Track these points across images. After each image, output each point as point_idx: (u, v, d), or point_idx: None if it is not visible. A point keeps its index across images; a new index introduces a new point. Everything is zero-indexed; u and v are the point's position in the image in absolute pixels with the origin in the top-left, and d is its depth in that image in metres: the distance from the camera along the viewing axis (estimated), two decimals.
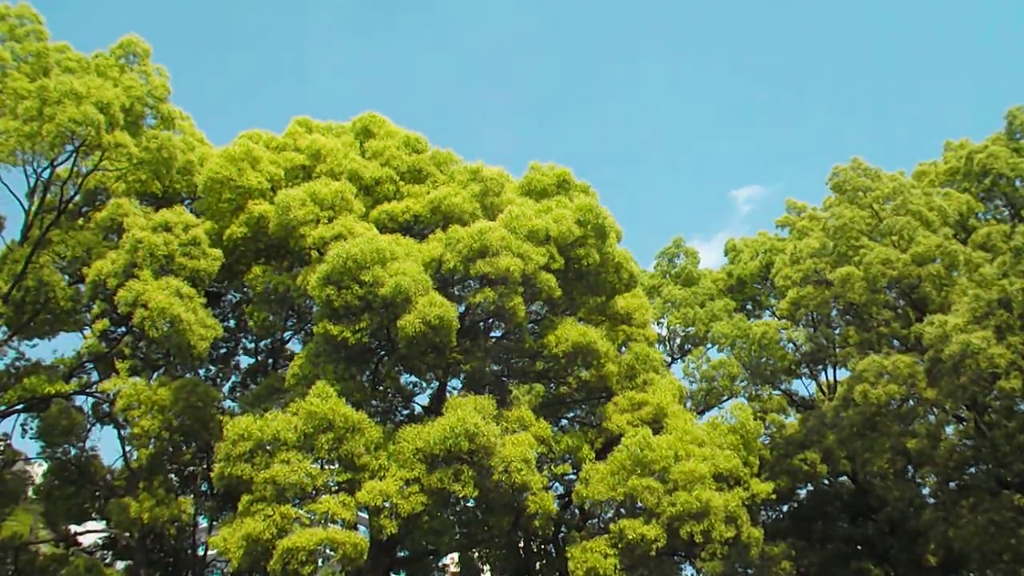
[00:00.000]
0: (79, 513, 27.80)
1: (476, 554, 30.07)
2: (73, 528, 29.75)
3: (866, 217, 30.66)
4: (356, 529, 20.55)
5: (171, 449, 25.30)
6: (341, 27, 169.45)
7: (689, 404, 35.19)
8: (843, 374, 35.41)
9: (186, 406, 23.30)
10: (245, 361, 32.76)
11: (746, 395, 37.79)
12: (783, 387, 39.15)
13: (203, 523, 30.27)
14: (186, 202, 28.77)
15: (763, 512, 36.07)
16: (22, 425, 27.66)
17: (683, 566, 28.24)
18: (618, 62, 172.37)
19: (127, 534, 26.72)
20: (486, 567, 31.28)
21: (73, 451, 27.32)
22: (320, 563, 20.17)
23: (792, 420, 38.12)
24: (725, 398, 37.35)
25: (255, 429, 20.07)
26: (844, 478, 37.66)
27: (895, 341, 30.92)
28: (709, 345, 38.80)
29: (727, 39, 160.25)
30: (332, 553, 19.21)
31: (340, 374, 22.18)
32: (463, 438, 19.91)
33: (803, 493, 37.88)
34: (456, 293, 24.80)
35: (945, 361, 24.92)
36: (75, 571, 25.75)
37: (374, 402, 25.82)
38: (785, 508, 38.19)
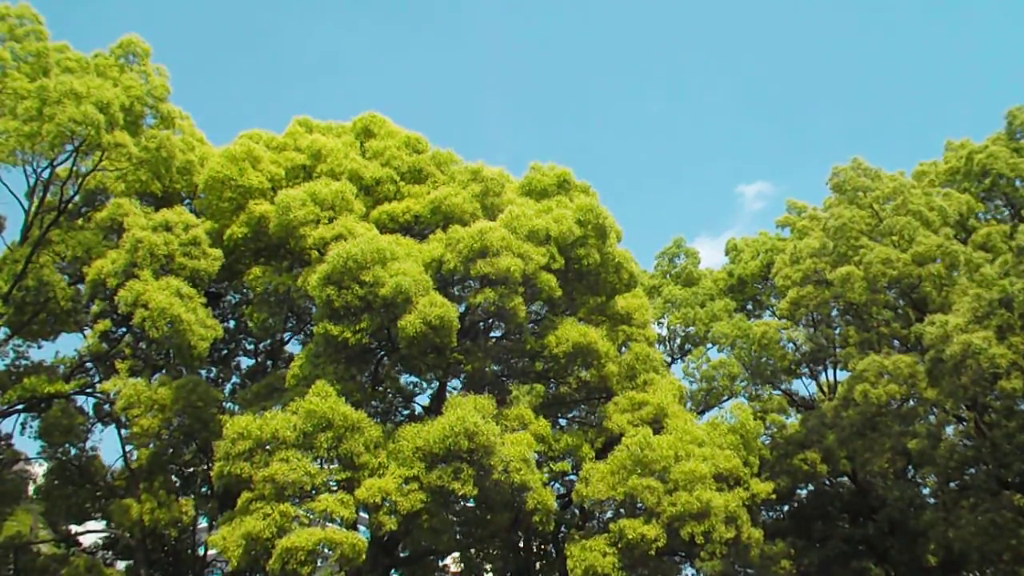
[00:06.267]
0: (79, 513, 27.84)
1: (476, 553, 30.07)
2: (73, 528, 29.77)
3: (866, 217, 30.67)
4: (356, 529, 20.55)
5: (171, 449, 25.32)
6: (341, 27, 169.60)
7: (689, 404, 35.19)
8: (843, 374, 35.43)
9: (186, 405, 23.32)
10: (245, 363, 32.83)
11: (746, 395, 37.80)
12: (783, 387, 39.15)
13: (203, 523, 30.28)
14: (186, 202, 28.79)
15: (763, 512, 36.09)
16: (22, 425, 27.73)
17: (683, 566, 28.22)
18: (619, 60, 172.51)
19: (128, 534, 26.74)
20: (487, 566, 31.29)
21: (73, 451, 27.38)
22: (319, 563, 20.14)
23: (792, 420, 38.12)
24: (725, 398, 37.36)
25: (254, 428, 20.07)
26: (844, 478, 37.67)
27: (895, 341, 30.93)
28: (709, 345, 38.81)
29: (729, 38, 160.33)
30: (331, 553, 19.18)
31: (340, 374, 22.17)
32: (463, 437, 19.90)
33: (803, 493, 37.90)
34: (456, 293, 24.80)
35: (946, 361, 24.91)
36: (75, 571, 25.76)
37: (374, 402, 25.82)
38: (785, 508, 38.20)
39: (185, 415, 23.45)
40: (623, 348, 28.47)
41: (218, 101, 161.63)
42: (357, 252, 21.40)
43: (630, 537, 21.30)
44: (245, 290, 29.30)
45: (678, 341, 41.32)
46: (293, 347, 31.65)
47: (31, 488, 28.99)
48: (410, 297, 21.29)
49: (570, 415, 31.07)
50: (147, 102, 25.99)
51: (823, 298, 31.54)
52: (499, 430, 21.06)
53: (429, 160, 28.03)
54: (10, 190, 25.72)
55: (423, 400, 29.75)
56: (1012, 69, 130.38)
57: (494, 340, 26.98)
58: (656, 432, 23.74)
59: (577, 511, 27.91)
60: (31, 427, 27.40)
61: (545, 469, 24.34)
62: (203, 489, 29.04)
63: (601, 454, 24.84)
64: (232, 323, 31.26)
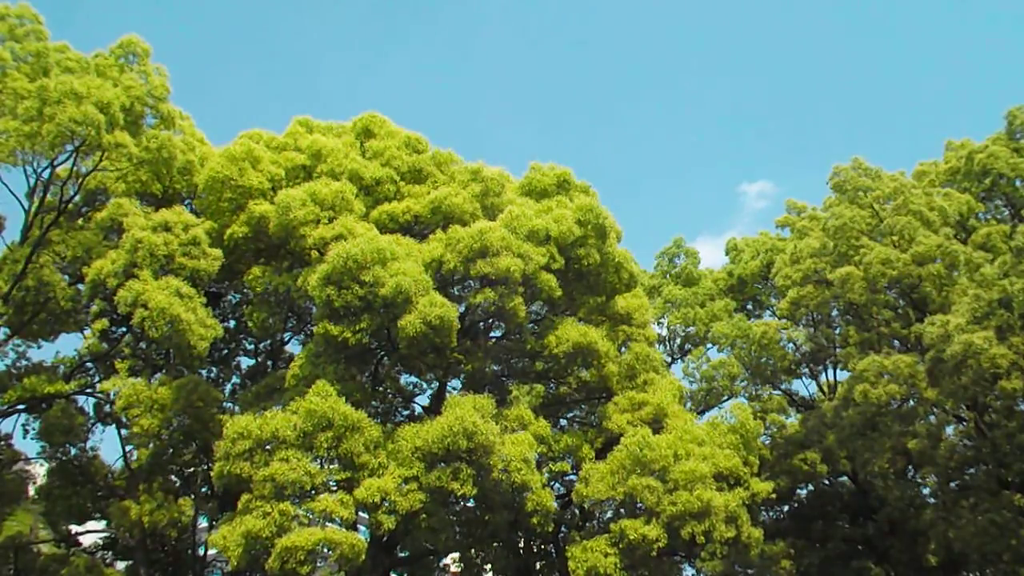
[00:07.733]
0: (80, 513, 27.82)
1: (476, 554, 30.07)
2: (74, 528, 29.76)
3: (866, 217, 30.70)
4: (355, 529, 20.55)
5: (171, 449, 25.30)
6: (342, 27, 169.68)
7: (689, 404, 35.22)
8: (843, 374, 35.45)
9: (186, 405, 23.31)
10: (245, 363, 32.81)
11: (746, 395, 37.83)
12: (783, 387, 39.17)
13: (203, 523, 30.28)
14: (186, 202, 28.78)
15: (763, 512, 36.10)
16: (23, 426, 27.73)
17: (683, 566, 28.22)
18: (620, 59, 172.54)
19: (127, 534, 26.74)
20: (487, 567, 31.28)
21: (74, 451, 27.33)
22: (319, 563, 20.14)
23: (792, 420, 38.15)
24: (725, 398, 37.38)
25: (254, 427, 20.08)
26: (844, 478, 37.69)
27: (895, 341, 30.94)
28: (709, 345, 38.84)
29: (730, 37, 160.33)
30: (330, 553, 19.19)
31: (340, 374, 22.18)
32: (462, 437, 19.91)
33: (803, 493, 37.92)
34: (456, 293, 24.80)
35: (947, 361, 24.92)
36: (75, 571, 25.73)
37: (374, 403, 25.81)
38: (785, 508, 38.22)
39: (185, 415, 23.43)
40: (623, 348, 28.47)
41: (218, 101, 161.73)
42: (357, 252, 21.40)
43: (631, 537, 21.28)
44: (245, 290, 29.27)
45: (678, 341, 41.35)
46: (293, 347, 31.67)
47: (31, 488, 28.99)
48: (410, 297, 21.29)
49: (570, 415, 31.08)
50: (147, 102, 25.95)
51: (823, 298, 31.57)
52: (499, 430, 21.06)
53: (429, 160, 28.03)
54: (10, 190, 25.74)
55: (423, 400, 29.79)
56: (1012, 69, 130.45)
57: (494, 340, 26.98)
58: (656, 432, 23.73)
59: (577, 511, 27.91)
60: (32, 427, 27.42)
61: (545, 469, 24.33)
62: (203, 489, 29.02)
63: (601, 454, 24.83)
64: (232, 323, 31.23)
